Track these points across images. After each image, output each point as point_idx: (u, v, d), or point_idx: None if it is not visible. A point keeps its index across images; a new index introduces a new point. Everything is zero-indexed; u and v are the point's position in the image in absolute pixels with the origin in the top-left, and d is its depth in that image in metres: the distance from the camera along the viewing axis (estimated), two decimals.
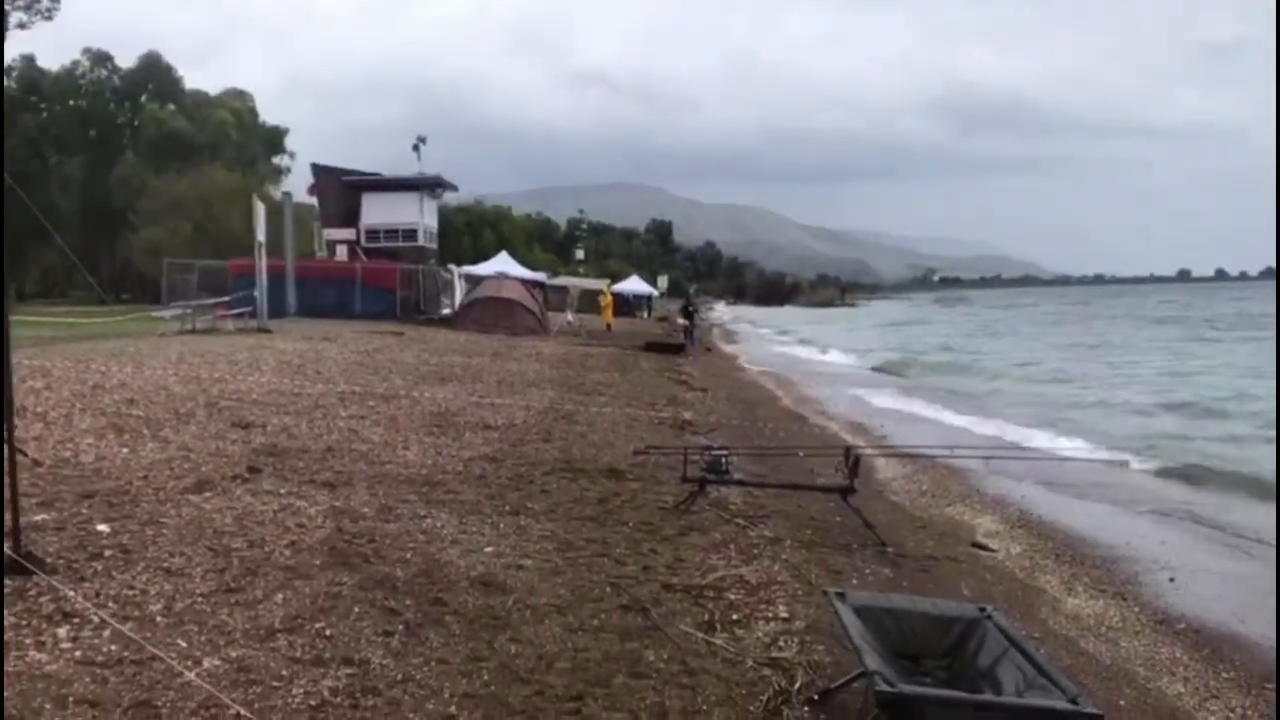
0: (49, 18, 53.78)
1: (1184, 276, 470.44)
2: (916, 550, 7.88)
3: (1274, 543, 8.90)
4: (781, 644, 5.19)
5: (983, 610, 4.62)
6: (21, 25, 53.09)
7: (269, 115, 70.30)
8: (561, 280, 63.05)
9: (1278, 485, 11.07)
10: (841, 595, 4.66)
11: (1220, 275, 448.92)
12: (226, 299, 26.85)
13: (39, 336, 18.81)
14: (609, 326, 39.64)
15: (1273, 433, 15.59)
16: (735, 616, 5.57)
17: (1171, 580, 8.02)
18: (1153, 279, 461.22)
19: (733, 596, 5.91)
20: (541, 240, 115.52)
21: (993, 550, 8.59)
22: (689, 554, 6.76)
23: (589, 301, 50.51)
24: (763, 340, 50.84)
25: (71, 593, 4.89)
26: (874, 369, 31.73)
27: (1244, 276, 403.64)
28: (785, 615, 5.63)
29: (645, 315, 62.65)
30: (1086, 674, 5.61)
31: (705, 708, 4.35)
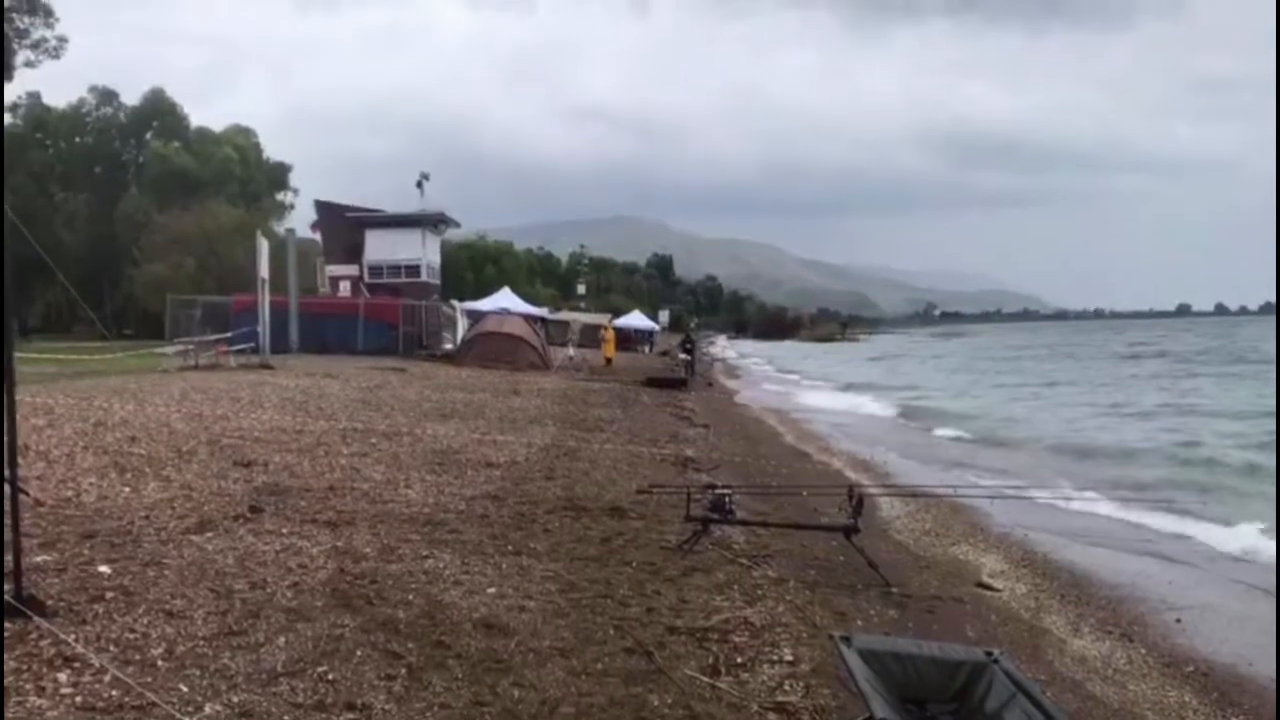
0: (56, 56, 54.40)
1: (1184, 311, 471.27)
2: (921, 590, 7.84)
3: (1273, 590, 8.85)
4: (787, 688, 5.15)
5: (989, 654, 4.58)
6: (29, 64, 53.69)
7: (273, 150, 70.92)
8: (563, 315, 63.26)
9: (1278, 517, 11.03)
10: (847, 639, 4.62)
11: (1220, 310, 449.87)
12: (229, 335, 26.92)
13: (42, 373, 18.85)
14: (609, 361, 39.55)
15: (1263, 472, 15.55)
16: (740, 659, 5.53)
17: (1178, 621, 7.96)
18: (1152, 313, 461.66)
19: (737, 639, 5.87)
20: (543, 275, 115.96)
21: (997, 590, 8.54)
22: (693, 595, 6.73)
23: (591, 336, 50.63)
24: (768, 379, 49.10)
25: (72, 637, 4.87)
26: (895, 415, 28.88)
27: (1244, 311, 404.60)
28: (790, 658, 5.59)
29: (647, 350, 62.76)
30: (1094, 719, 5.56)
31: None
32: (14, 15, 50.34)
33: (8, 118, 52.06)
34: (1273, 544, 10.47)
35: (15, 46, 51.15)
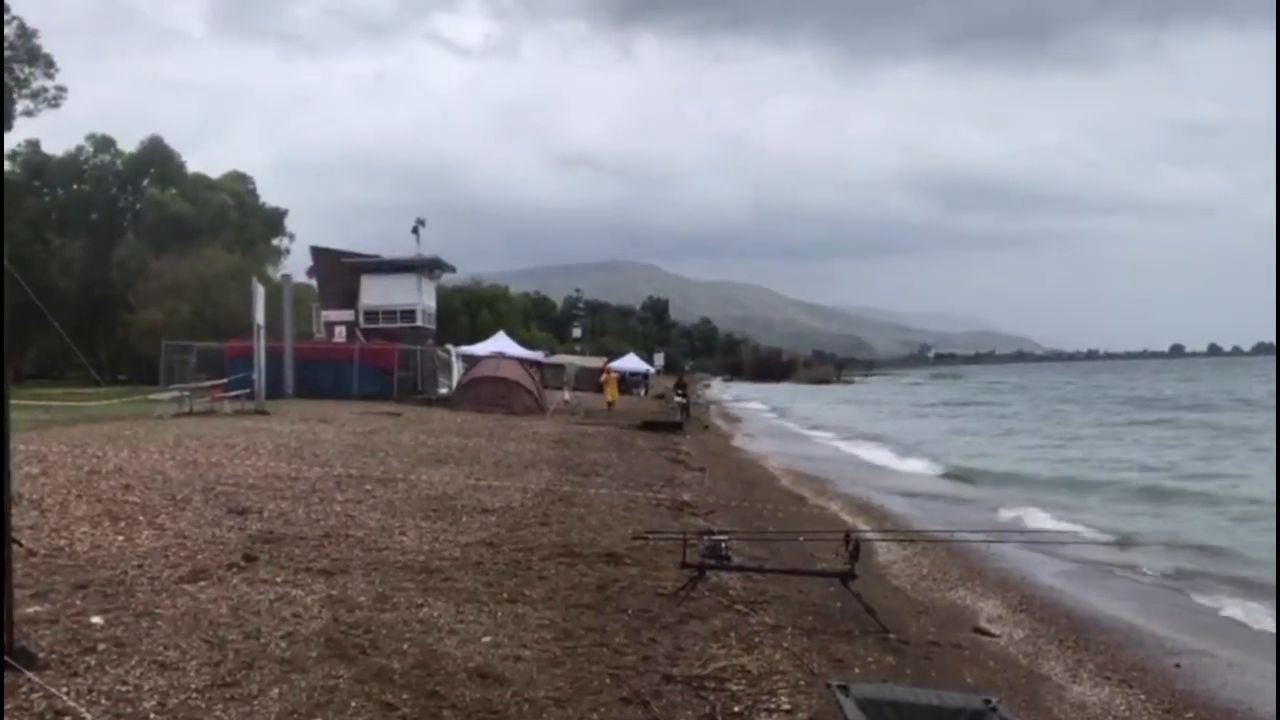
0: (56, 105, 54.87)
1: (1177, 352, 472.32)
2: (919, 636, 7.80)
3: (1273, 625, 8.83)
4: None
5: (987, 701, 4.57)
6: (28, 113, 54.14)
7: (268, 197, 71.36)
8: (558, 359, 63.33)
9: (1278, 555, 11.02)
10: (845, 688, 4.60)
11: (1214, 350, 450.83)
12: (224, 380, 26.90)
13: (35, 420, 18.80)
14: (611, 405, 38.95)
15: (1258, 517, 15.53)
16: (737, 709, 5.48)
17: (1178, 666, 7.92)
18: (1146, 354, 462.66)
19: (734, 687, 5.83)
20: (538, 319, 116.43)
21: (995, 635, 8.50)
22: (689, 643, 6.69)
23: (587, 379, 50.53)
24: (780, 433, 40.31)
25: (63, 690, 4.82)
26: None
27: (1237, 351, 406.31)
28: (788, 707, 5.55)
29: (643, 393, 62.77)
30: None
31: None
32: (13, 65, 50.85)
33: (5, 165, 52.41)
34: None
35: (14, 96, 51.61)
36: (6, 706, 4.58)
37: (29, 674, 4.93)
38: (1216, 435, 33.62)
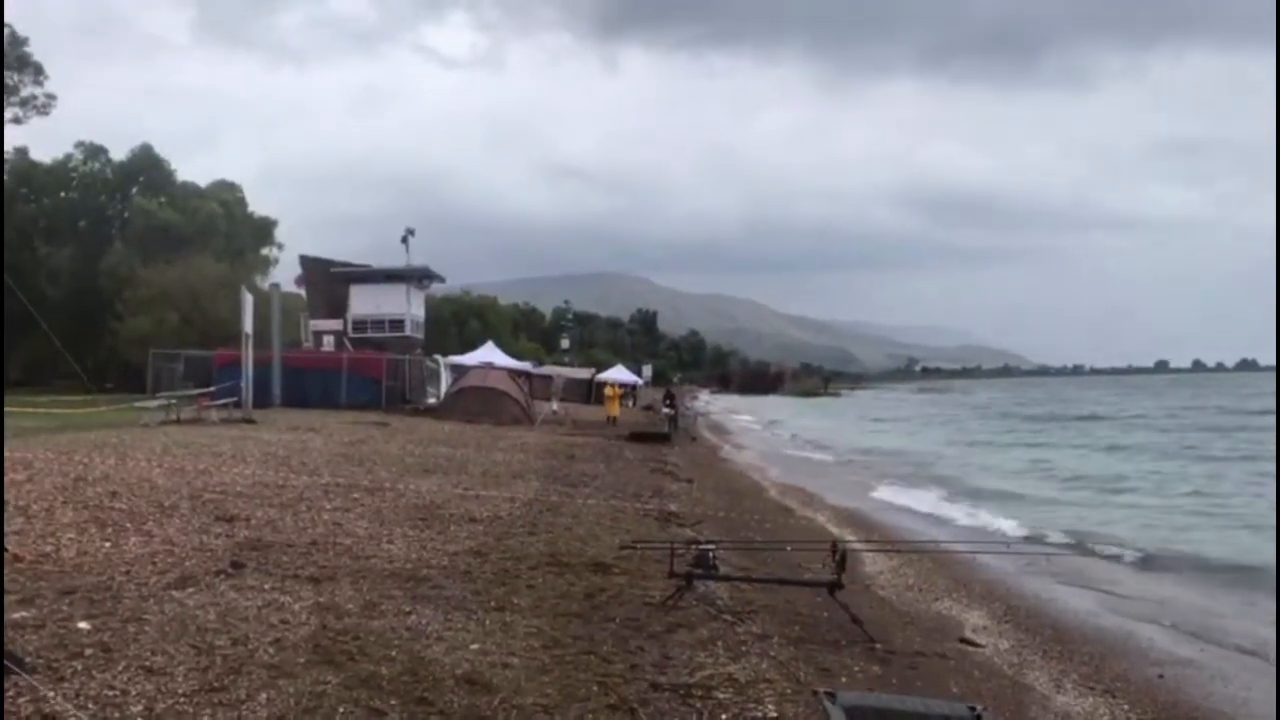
0: (45, 113, 54.71)
1: (1162, 368, 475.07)
2: (904, 646, 7.83)
3: (1272, 642, 8.89)
4: None
5: (972, 710, 4.60)
6: (17, 120, 53.93)
7: (257, 206, 71.06)
8: (547, 369, 63.32)
9: (1278, 562, 11.11)
10: (831, 695, 4.63)
11: (1198, 366, 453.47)
12: (212, 389, 26.81)
13: (21, 426, 18.70)
14: (613, 419, 37.89)
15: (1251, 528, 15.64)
16: (724, 716, 5.51)
17: (1161, 677, 7.97)
18: (1131, 370, 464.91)
19: (721, 695, 5.86)
20: (527, 330, 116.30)
21: (980, 646, 8.54)
22: (676, 651, 6.71)
23: (574, 391, 50.48)
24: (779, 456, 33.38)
25: (51, 694, 4.82)
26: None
27: (1220, 368, 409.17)
28: (775, 715, 5.58)
29: (631, 404, 62.81)
30: None
31: None
32: (2, 72, 50.70)
33: None
34: None
35: (3, 103, 51.44)
36: None
37: (17, 675, 4.92)
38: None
